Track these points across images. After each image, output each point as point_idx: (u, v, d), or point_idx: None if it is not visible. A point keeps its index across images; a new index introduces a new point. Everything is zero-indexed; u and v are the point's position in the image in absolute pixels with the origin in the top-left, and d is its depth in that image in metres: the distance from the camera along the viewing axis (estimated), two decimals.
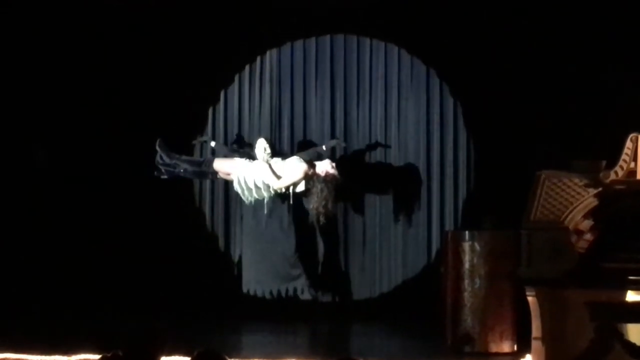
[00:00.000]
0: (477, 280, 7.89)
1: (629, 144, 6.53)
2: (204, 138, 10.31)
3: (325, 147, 10.02)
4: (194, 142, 10.29)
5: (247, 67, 10.50)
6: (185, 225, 10.27)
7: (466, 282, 7.93)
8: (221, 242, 10.45)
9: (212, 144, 10.18)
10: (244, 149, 10.09)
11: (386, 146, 10.37)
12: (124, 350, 4.67)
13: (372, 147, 10.40)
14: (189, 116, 10.29)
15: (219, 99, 10.51)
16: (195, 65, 10.16)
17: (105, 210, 10.01)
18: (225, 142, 10.36)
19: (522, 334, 7.57)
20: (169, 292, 9.76)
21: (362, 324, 9.78)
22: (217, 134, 10.45)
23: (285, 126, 10.47)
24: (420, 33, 10.13)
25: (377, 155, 10.42)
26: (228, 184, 10.06)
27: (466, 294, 7.93)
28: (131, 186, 10.02)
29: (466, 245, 7.96)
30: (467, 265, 7.94)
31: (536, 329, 6.69)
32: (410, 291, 10.12)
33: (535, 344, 6.72)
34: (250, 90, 10.51)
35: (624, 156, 6.53)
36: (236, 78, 10.51)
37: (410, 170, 10.36)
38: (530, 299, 6.70)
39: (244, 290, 10.17)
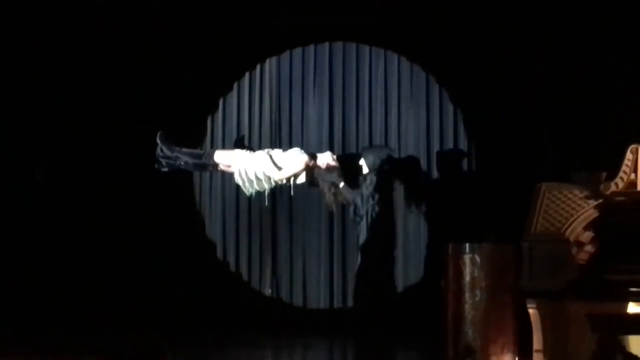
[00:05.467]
0: (478, 293, 7.85)
1: (629, 155, 6.52)
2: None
3: None
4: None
5: (246, 75, 10.50)
6: (187, 232, 10.32)
7: (467, 294, 7.89)
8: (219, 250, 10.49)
9: None
10: None
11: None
12: None
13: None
14: (187, 124, 10.27)
15: (217, 107, 10.51)
16: (194, 73, 10.18)
17: (105, 218, 10.04)
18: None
19: (523, 347, 7.54)
20: (170, 304, 9.74)
21: (362, 336, 9.74)
22: (216, 143, 10.44)
23: (285, 135, 10.45)
24: (420, 41, 10.13)
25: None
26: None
27: (467, 307, 7.89)
28: (132, 195, 10.05)
29: (467, 258, 7.92)
30: (467, 277, 7.90)
31: (537, 342, 6.67)
32: (411, 304, 10.09)
33: (537, 357, 6.69)
34: (250, 99, 10.51)
35: (624, 168, 6.52)
36: (235, 86, 10.51)
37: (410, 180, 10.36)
38: (531, 311, 6.68)
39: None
